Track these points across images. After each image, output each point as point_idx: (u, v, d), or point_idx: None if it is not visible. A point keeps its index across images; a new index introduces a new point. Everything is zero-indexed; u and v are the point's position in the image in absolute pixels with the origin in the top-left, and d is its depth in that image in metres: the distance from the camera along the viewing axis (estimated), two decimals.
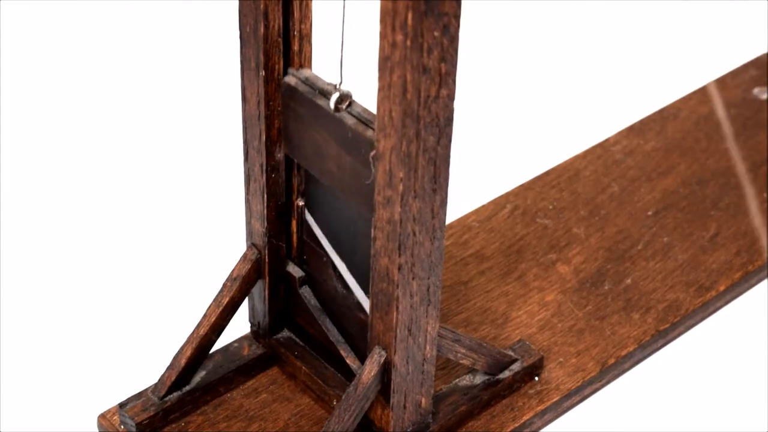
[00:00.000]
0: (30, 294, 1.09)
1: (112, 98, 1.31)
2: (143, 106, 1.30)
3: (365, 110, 0.86)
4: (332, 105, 0.86)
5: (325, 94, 0.87)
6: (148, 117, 1.29)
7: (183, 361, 0.96)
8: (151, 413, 0.96)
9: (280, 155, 0.92)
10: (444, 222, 0.85)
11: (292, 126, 0.90)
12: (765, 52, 1.37)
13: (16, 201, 1.18)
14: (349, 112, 0.86)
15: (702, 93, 1.32)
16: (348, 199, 0.88)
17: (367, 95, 0.88)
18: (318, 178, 0.90)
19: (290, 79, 0.89)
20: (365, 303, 0.92)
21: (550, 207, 1.17)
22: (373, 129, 0.84)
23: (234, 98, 1.20)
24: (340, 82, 0.86)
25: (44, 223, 1.16)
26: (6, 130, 1.26)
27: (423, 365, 0.91)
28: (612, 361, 1.04)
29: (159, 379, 0.97)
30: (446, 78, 0.78)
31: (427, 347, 0.90)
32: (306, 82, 0.89)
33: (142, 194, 1.20)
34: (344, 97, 0.86)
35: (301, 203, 0.95)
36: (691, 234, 1.14)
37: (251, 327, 1.02)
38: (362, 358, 0.94)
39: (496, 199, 1.18)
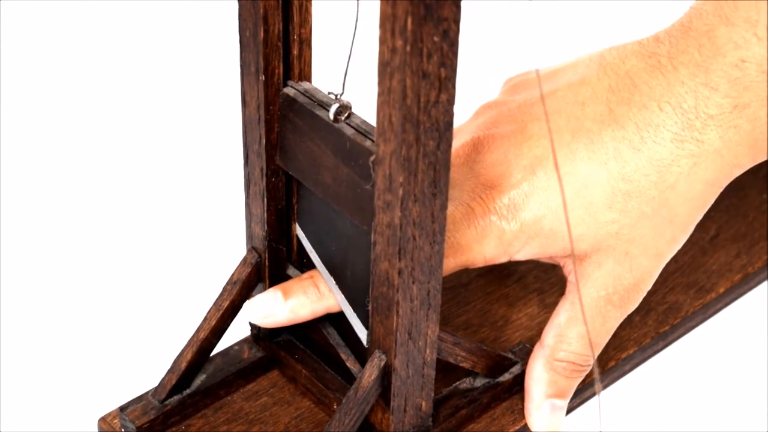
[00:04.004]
0: (31, 297, 1.09)
1: (112, 102, 1.31)
2: (144, 110, 1.30)
3: (364, 122, 0.86)
4: (332, 115, 0.86)
5: (324, 106, 0.87)
6: (148, 121, 1.29)
7: (183, 365, 0.96)
8: (152, 416, 0.96)
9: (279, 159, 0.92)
10: (444, 226, 0.84)
11: (288, 137, 0.90)
12: None
13: (16, 207, 1.18)
14: (348, 123, 0.86)
15: None
16: (343, 210, 0.88)
17: (366, 104, 0.88)
18: (312, 189, 0.90)
19: (289, 90, 0.89)
20: (352, 318, 0.93)
21: None
22: (372, 140, 0.84)
23: (234, 102, 1.20)
24: (341, 93, 0.86)
25: (46, 228, 1.16)
26: (6, 130, 1.26)
27: (423, 369, 0.91)
28: (612, 363, 1.04)
29: (159, 383, 0.97)
30: (446, 83, 0.78)
31: (428, 351, 0.90)
32: (305, 93, 0.89)
33: (142, 198, 1.20)
34: (344, 108, 0.86)
35: None
36: (690, 235, 1.14)
37: (251, 330, 1.02)
38: (362, 361, 0.94)
39: None
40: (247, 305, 0.95)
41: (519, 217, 0.94)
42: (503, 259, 0.95)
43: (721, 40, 0.92)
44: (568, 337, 0.97)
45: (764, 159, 0.96)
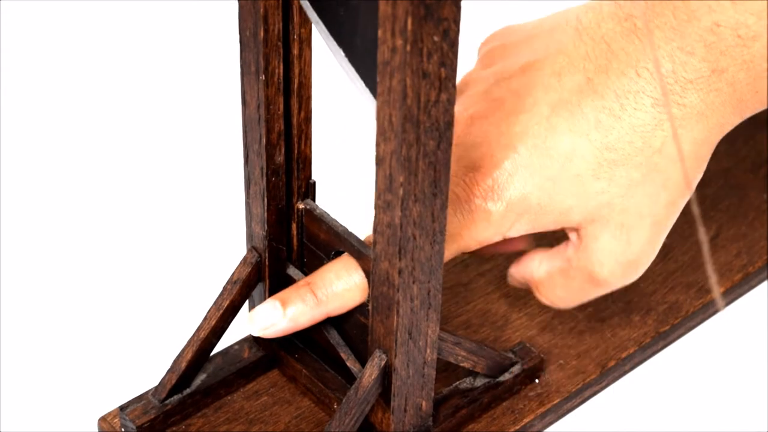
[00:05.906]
0: (31, 297, 1.09)
1: (112, 102, 1.31)
2: (144, 110, 1.30)
3: None
4: None
5: None
6: (148, 121, 1.29)
7: (183, 364, 0.97)
8: (152, 416, 0.96)
9: (280, 158, 0.92)
10: (444, 226, 0.85)
11: None
12: None
13: (16, 207, 1.18)
14: None
15: None
16: None
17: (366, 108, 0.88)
18: None
19: None
20: (366, 94, 0.86)
21: None
22: None
23: (235, 102, 1.20)
24: None
25: (46, 228, 1.16)
26: (6, 130, 1.26)
27: (423, 369, 0.91)
28: (612, 363, 1.04)
29: (159, 382, 0.97)
30: (446, 82, 0.78)
31: (428, 350, 0.90)
32: None
33: (142, 198, 1.20)
34: None
35: (301, 206, 0.95)
36: (691, 235, 1.14)
37: None
38: (362, 360, 0.94)
39: None
40: (247, 317, 0.95)
41: (504, 196, 0.93)
42: (497, 239, 0.95)
43: (695, 4, 0.91)
44: (556, 287, 0.98)
45: (753, 113, 0.95)
